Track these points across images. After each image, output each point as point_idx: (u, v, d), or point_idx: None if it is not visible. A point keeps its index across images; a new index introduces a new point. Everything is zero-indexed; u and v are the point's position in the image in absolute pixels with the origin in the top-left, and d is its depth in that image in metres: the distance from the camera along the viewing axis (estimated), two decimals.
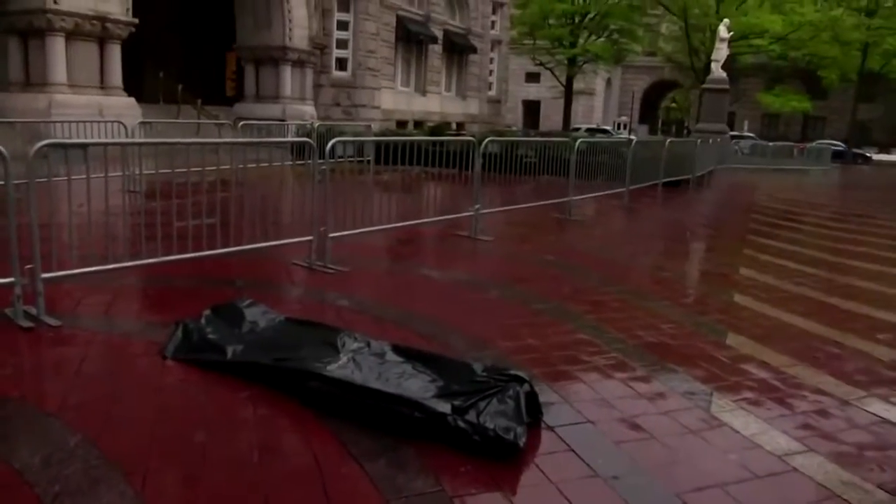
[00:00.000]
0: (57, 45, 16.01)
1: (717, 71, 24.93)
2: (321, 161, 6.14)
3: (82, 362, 3.74)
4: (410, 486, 2.67)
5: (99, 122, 13.46)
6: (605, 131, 41.95)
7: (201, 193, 5.62)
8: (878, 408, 3.66)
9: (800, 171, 26.03)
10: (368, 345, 3.75)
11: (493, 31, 36.45)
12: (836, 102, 49.81)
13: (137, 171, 8.11)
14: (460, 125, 31.60)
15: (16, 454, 2.74)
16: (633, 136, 21.15)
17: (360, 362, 3.50)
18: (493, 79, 37.46)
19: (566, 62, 42.44)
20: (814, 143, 35.30)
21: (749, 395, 3.77)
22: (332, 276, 5.91)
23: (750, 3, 38.04)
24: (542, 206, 9.94)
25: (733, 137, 31.39)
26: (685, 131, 48.71)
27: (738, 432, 3.29)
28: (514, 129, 40.12)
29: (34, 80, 16.35)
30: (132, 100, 17.60)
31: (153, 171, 6.36)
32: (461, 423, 2.97)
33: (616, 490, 2.72)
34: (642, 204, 12.39)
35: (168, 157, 5.98)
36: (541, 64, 44.87)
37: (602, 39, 42.45)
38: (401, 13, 28.48)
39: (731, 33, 26.54)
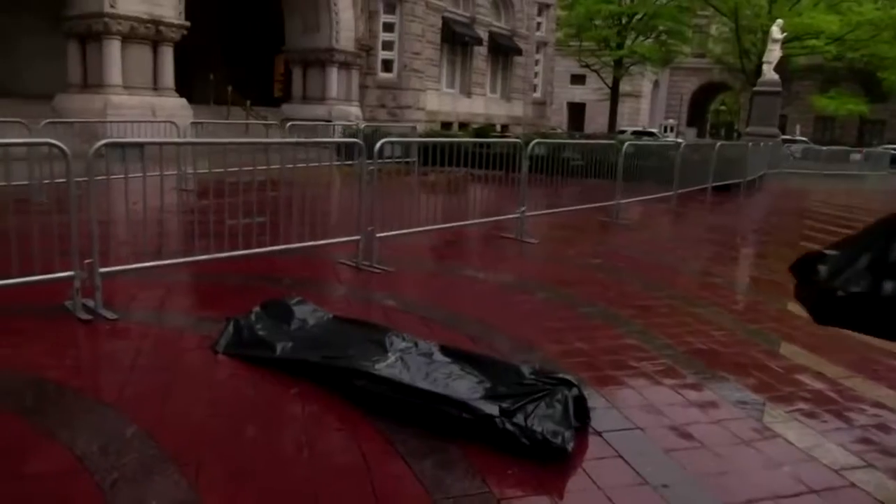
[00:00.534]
0: (113, 48, 16.55)
1: (768, 73, 24.30)
2: (369, 161, 6.20)
3: (137, 355, 3.85)
4: (457, 486, 2.67)
5: (152, 122, 13.87)
6: (651, 134, 40.94)
7: (251, 192, 5.73)
8: None
9: (855, 177, 25.20)
10: (416, 345, 3.76)
11: (538, 33, 36.27)
12: None
13: (190, 171, 8.33)
14: (504, 127, 31.53)
15: (76, 442, 2.84)
16: (680, 140, 20.73)
17: (408, 362, 3.51)
18: (538, 81, 37.24)
19: (612, 64, 41.99)
20: (878, 148, 33.87)
21: (803, 406, 3.66)
22: (379, 276, 5.96)
23: (804, 3, 37.00)
24: (589, 210, 9.83)
25: (785, 141, 30.56)
26: (735, 134, 47.70)
27: (792, 444, 3.20)
28: (559, 131, 39.70)
29: (91, 82, 16.94)
30: (184, 100, 18.07)
31: (205, 171, 6.51)
32: (509, 426, 2.95)
33: (666, 499, 2.68)
34: (690, 208, 12.16)
35: (219, 156, 6.13)
36: (587, 66, 44.42)
37: (650, 41, 41.86)
38: (446, 15, 28.58)
39: (785, 34, 25.85)
